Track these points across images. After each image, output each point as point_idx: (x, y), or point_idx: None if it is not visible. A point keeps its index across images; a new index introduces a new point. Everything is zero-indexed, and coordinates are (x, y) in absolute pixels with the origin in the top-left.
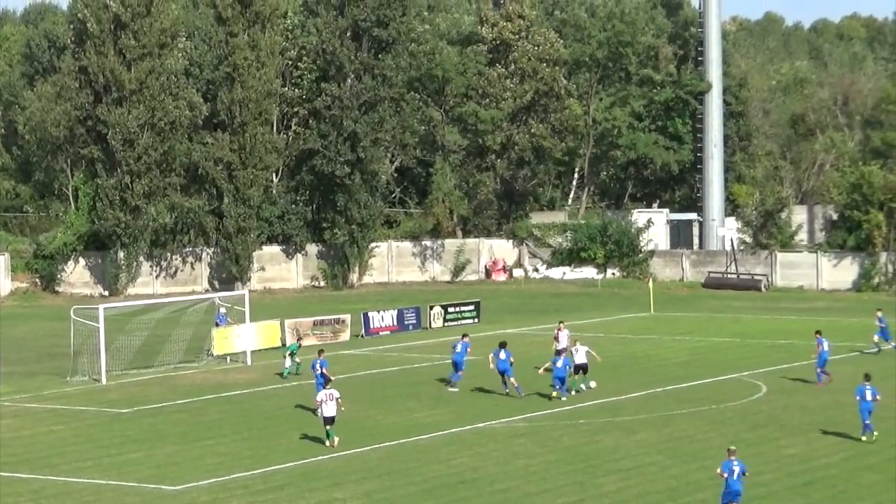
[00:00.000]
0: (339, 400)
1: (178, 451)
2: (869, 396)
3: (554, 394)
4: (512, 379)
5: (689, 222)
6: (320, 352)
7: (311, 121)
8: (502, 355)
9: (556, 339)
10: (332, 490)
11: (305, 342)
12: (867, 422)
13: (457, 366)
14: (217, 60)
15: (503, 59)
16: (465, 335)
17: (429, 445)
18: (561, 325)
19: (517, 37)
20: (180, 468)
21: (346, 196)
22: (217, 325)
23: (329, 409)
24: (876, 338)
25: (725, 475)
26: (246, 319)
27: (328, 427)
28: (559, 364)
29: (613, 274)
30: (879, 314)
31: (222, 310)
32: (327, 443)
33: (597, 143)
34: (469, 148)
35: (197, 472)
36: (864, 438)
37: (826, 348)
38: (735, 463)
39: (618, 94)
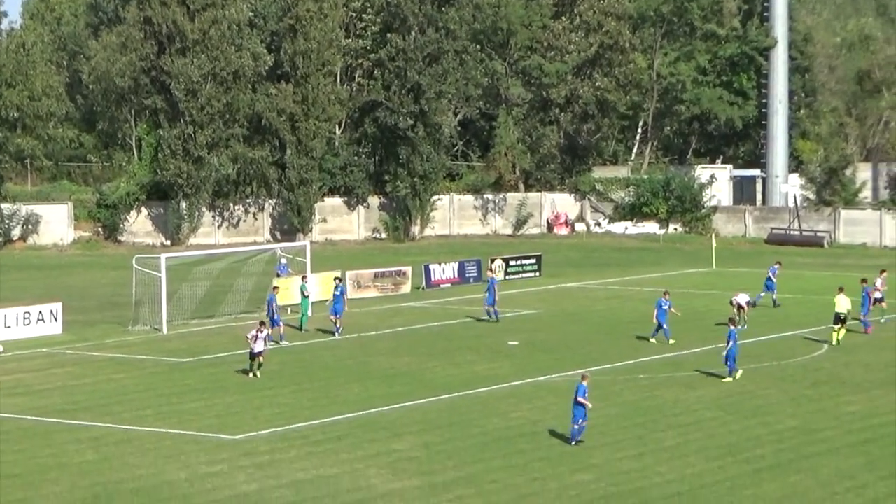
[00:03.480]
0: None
1: (237, 401)
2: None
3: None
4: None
5: (753, 178)
6: (275, 288)
7: (374, 72)
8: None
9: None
10: (391, 441)
11: (365, 293)
12: (732, 364)
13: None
14: (281, 11)
15: (568, 13)
16: (666, 292)
17: (488, 398)
18: (883, 273)
19: None
20: (240, 418)
21: (409, 148)
22: (278, 275)
23: (259, 345)
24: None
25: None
26: (307, 270)
27: (253, 363)
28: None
29: (675, 229)
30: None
31: (283, 260)
32: (250, 375)
33: (661, 98)
34: (533, 101)
35: (256, 423)
36: (729, 379)
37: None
38: (587, 385)
39: (682, 49)
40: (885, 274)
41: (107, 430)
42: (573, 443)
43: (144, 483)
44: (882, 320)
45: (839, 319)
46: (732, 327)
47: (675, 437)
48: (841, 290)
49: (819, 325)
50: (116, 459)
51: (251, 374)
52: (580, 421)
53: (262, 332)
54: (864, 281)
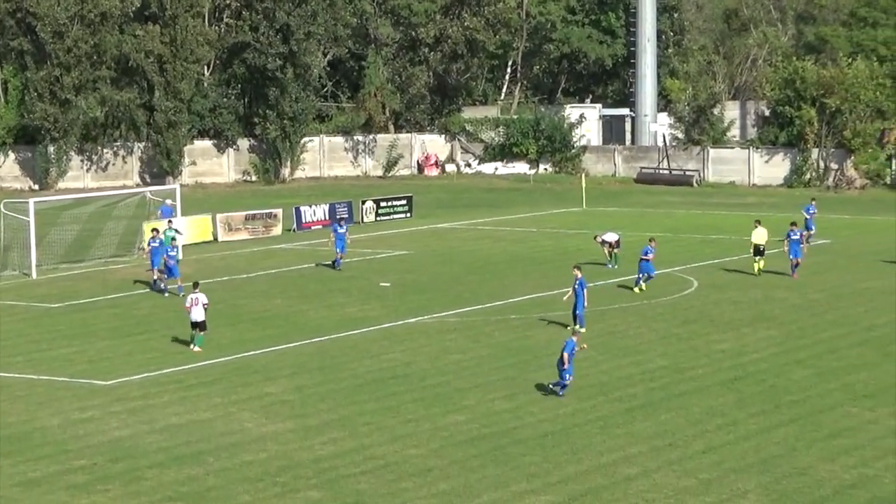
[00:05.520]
0: (207, 305)
1: (109, 346)
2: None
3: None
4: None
5: (622, 117)
6: (172, 240)
7: (243, 13)
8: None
9: None
10: (264, 385)
11: (236, 236)
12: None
13: (645, 269)
14: None
15: None
16: (651, 239)
17: (360, 340)
18: None
19: None
20: (112, 363)
21: (278, 90)
22: (167, 218)
23: (198, 314)
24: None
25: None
26: (177, 214)
27: (195, 332)
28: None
29: (546, 169)
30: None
31: (169, 201)
32: (192, 347)
33: (530, 37)
34: (401, 41)
35: (128, 367)
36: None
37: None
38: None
39: None
40: None
41: None
42: (561, 393)
43: (16, 430)
44: None
45: (758, 251)
46: (580, 275)
47: (547, 378)
48: (758, 223)
49: (689, 264)
50: None
51: (193, 347)
52: (567, 376)
53: (198, 294)
54: (793, 224)
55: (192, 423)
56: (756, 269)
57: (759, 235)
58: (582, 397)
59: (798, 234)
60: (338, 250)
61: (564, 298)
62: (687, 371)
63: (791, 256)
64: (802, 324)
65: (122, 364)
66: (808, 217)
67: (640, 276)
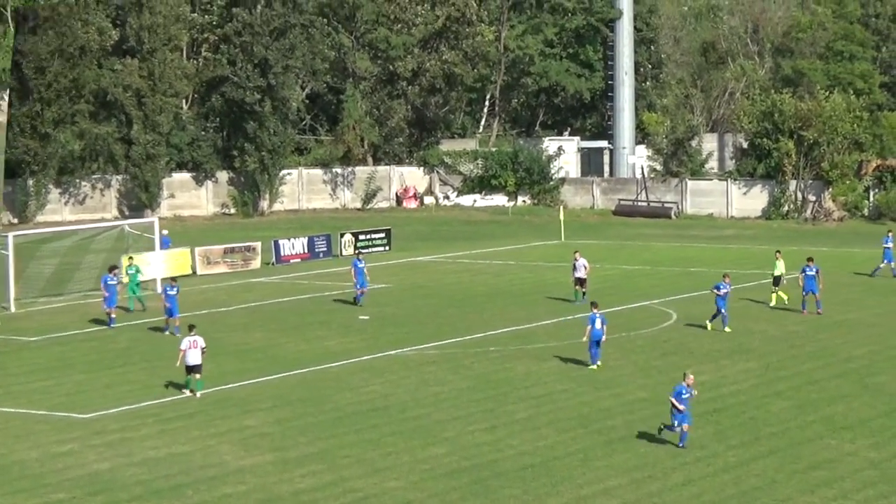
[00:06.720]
0: (204, 349)
1: (87, 379)
2: (599, 325)
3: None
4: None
5: (600, 150)
6: (112, 268)
7: (221, 47)
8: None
9: None
10: (244, 417)
11: (215, 269)
12: (594, 351)
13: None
14: None
15: None
16: (725, 275)
17: (340, 373)
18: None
19: None
20: (90, 396)
21: (257, 123)
22: (167, 247)
23: (193, 357)
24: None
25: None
26: (155, 247)
27: (191, 376)
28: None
29: (524, 201)
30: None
31: (164, 231)
32: (186, 392)
33: (508, 71)
34: (380, 75)
35: (107, 401)
36: (595, 366)
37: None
38: (598, 316)
39: (530, 22)
40: None
41: None
42: (681, 445)
43: None
44: None
45: (777, 282)
46: (594, 311)
47: (526, 410)
48: (778, 253)
49: (667, 296)
50: None
51: (188, 391)
52: (676, 424)
53: (194, 336)
54: (809, 260)
55: (170, 456)
56: (774, 300)
57: (781, 266)
58: (562, 429)
59: (814, 269)
60: (360, 286)
61: (584, 339)
62: (666, 403)
63: (805, 292)
64: (781, 355)
65: (100, 397)
66: (886, 248)
67: (722, 312)
